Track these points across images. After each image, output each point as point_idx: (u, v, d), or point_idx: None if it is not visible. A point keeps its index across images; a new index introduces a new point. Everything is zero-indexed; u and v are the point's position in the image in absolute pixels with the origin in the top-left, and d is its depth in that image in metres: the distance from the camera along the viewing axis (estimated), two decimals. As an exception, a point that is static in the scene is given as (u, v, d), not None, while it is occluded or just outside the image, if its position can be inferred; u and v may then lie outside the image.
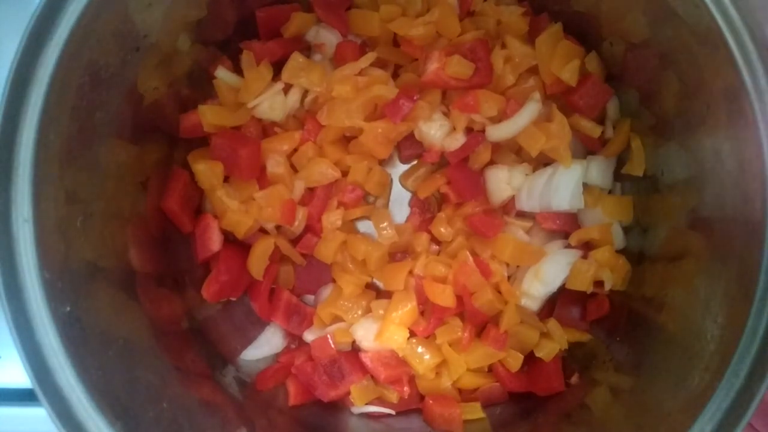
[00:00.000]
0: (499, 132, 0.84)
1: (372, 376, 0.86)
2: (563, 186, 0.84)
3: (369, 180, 0.88)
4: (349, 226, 0.90)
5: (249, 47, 0.86)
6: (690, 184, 0.75)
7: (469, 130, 0.87)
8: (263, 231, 0.89)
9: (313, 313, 0.89)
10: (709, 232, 0.70)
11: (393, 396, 0.86)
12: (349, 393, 0.85)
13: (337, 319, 0.88)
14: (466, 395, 0.87)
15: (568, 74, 0.82)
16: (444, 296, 0.82)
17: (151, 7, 0.70)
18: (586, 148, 0.89)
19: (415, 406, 0.87)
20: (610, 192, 0.89)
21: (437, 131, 0.85)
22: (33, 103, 0.59)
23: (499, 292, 0.85)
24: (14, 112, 0.59)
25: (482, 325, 0.87)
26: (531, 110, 0.83)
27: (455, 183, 0.87)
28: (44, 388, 0.59)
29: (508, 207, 0.88)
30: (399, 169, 0.94)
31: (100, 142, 0.69)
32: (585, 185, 0.86)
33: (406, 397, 0.86)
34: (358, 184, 0.88)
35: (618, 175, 0.88)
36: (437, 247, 0.89)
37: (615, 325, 0.85)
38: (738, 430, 0.58)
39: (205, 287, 0.86)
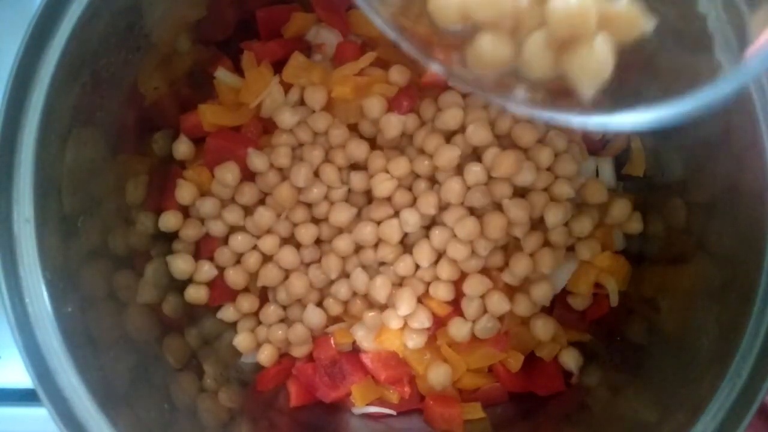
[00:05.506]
0: (499, 132, 0.84)
1: (372, 377, 0.86)
2: (564, 186, 0.84)
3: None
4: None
5: (249, 47, 0.86)
6: (690, 184, 0.75)
7: (469, 131, 0.86)
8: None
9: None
10: (709, 232, 0.71)
11: (394, 396, 0.86)
12: (350, 394, 0.85)
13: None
14: (466, 395, 0.87)
15: (569, 75, 0.82)
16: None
17: (151, 7, 0.69)
18: (586, 149, 0.89)
19: (415, 406, 0.87)
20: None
21: (437, 131, 0.85)
22: (34, 104, 0.59)
23: (500, 292, 0.85)
24: (15, 112, 0.59)
25: (482, 326, 0.87)
26: (531, 111, 0.83)
27: (456, 183, 0.86)
28: (45, 389, 0.58)
29: (509, 207, 0.88)
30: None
31: (101, 143, 0.69)
32: (585, 186, 0.86)
33: (407, 398, 0.86)
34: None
35: (618, 175, 0.88)
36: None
37: (615, 325, 0.85)
38: (741, 430, 0.58)
39: (205, 288, 0.86)
